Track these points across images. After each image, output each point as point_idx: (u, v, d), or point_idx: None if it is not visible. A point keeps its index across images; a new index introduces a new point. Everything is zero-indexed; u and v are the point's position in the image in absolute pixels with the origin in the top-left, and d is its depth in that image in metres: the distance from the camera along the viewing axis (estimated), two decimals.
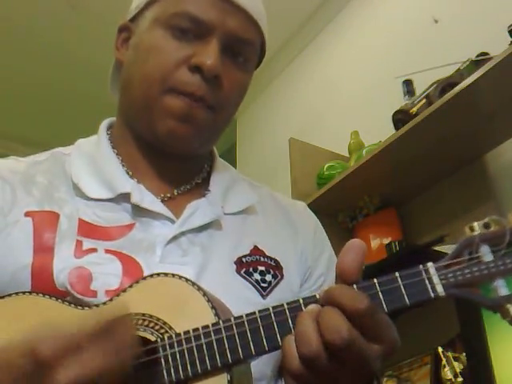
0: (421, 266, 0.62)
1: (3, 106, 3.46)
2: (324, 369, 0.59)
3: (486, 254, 0.62)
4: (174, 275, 0.68)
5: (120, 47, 0.90)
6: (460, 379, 1.64)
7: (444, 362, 1.70)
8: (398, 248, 1.97)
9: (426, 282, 0.62)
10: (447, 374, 1.68)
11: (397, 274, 0.62)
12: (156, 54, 0.82)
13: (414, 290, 0.61)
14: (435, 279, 0.61)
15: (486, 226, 0.62)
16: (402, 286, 0.62)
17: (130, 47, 0.88)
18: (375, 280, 0.62)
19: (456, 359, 1.68)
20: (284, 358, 0.61)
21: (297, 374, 0.60)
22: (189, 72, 0.81)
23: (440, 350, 1.73)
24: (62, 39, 3.13)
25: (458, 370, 1.65)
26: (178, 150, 0.86)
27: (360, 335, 0.59)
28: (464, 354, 1.63)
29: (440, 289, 0.61)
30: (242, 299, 0.77)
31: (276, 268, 0.85)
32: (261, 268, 0.84)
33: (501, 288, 0.61)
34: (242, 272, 0.82)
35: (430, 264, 0.62)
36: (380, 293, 0.62)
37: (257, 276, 0.82)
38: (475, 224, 0.63)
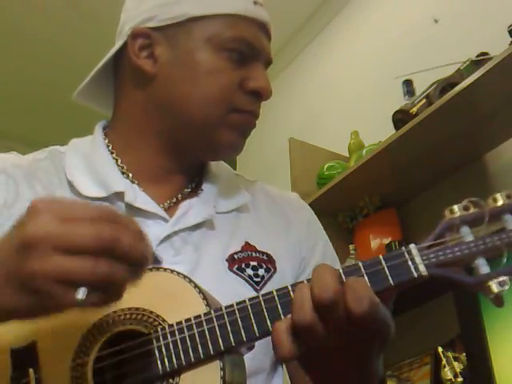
0: (403, 248, 0.65)
1: (3, 106, 3.46)
2: (318, 337, 0.61)
3: (466, 234, 0.64)
4: (165, 269, 0.70)
5: (139, 54, 0.87)
6: (460, 379, 1.64)
7: (444, 362, 1.70)
8: (397, 248, 1.96)
9: (409, 262, 0.63)
10: (447, 373, 1.68)
11: (380, 256, 0.64)
12: (218, 76, 0.85)
13: (397, 270, 0.63)
14: (418, 259, 0.63)
15: (466, 208, 0.64)
16: (386, 268, 0.64)
17: (167, 61, 0.86)
18: (360, 263, 0.64)
19: (456, 359, 1.68)
20: (274, 345, 0.62)
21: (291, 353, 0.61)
22: (246, 94, 0.87)
23: (440, 349, 1.74)
24: (63, 39, 3.13)
25: (458, 370, 1.65)
26: (223, 158, 0.94)
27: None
28: (464, 354, 1.63)
29: (422, 268, 0.63)
30: (236, 295, 0.78)
31: (268, 262, 0.87)
32: (253, 263, 0.86)
33: (482, 267, 0.62)
34: (234, 269, 0.84)
35: (412, 245, 0.65)
36: (365, 275, 0.64)
37: (249, 271, 0.84)
38: (455, 206, 0.65)
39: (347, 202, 2.13)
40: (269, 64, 0.92)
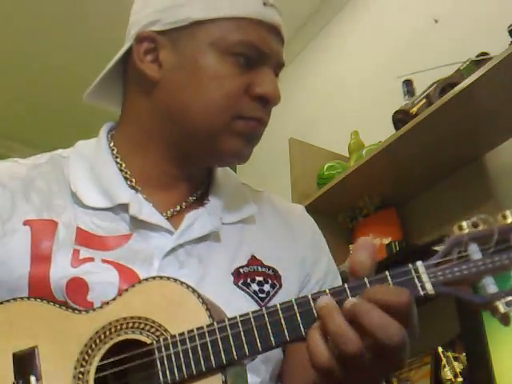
0: (410, 265, 0.63)
1: (4, 106, 3.46)
2: (363, 364, 0.60)
3: (474, 252, 0.62)
4: (168, 278, 0.69)
5: (143, 58, 0.85)
6: (460, 379, 1.64)
7: (444, 362, 1.70)
8: (398, 248, 1.97)
9: (416, 280, 0.62)
10: (447, 373, 1.68)
11: (387, 272, 0.63)
12: (223, 82, 0.82)
13: (404, 288, 0.62)
14: (424, 277, 0.62)
15: (475, 225, 0.63)
16: (392, 285, 0.62)
17: (171, 66, 0.84)
18: (366, 280, 0.63)
19: (456, 359, 1.68)
20: (313, 356, 0.61)
21: (330, 370, 0.60)
22: (252, 100, 0.83)
23: (440, 349, 1.73)
24: (63, 38, 3.13)
25: (458, 370, 1.65)
26: (230, 165, 0.92)
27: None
28: (464, 353, 1.63)
29: (429, 287, 0.62)
30: (241, 311, 0.77)
31: (274, 277, 0.85)
32: (258, 278, 0.83)
33: (489, 285, 0.61)
34: (239, 283, 0.82)
35: (419, 263, 0.63)
36: None
37: (254, 287, 0.82)
38: (464, 223, 0.63)
39: (347, 202, 2.13)
40: (280, 67, 0.88)
